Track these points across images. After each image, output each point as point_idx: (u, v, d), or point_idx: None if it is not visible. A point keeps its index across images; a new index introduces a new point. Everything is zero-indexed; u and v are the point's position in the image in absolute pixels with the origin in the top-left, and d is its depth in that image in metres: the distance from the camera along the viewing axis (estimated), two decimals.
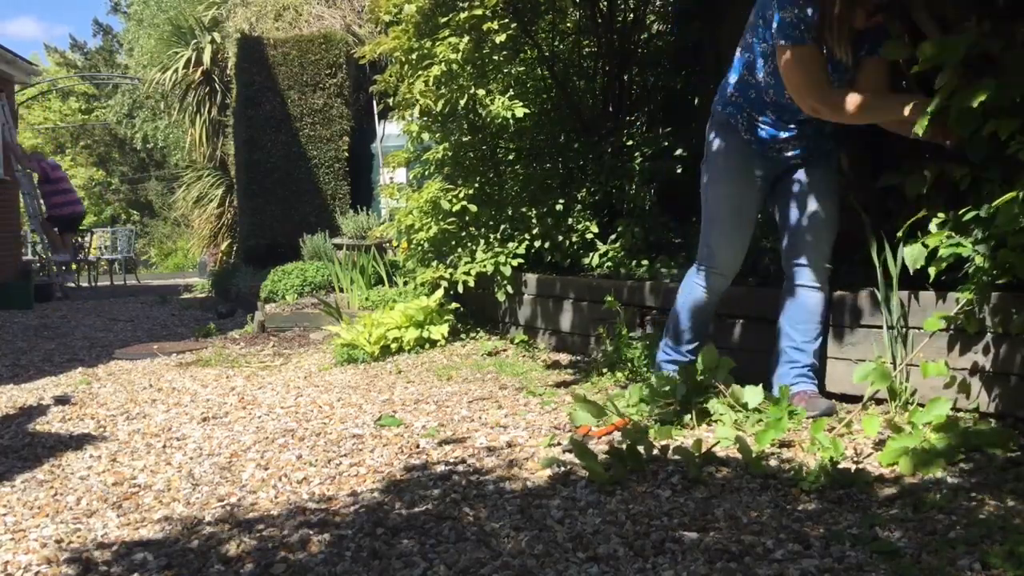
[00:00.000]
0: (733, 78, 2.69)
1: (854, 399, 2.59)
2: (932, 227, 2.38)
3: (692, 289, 2.82)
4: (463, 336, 4.56)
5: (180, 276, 17.93)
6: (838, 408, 2.59)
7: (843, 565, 1.54)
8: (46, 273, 12.21)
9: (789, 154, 2.68)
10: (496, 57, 4.27)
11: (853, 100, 2.41)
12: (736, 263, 2.77)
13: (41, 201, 10.71)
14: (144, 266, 23.94)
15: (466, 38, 3.98)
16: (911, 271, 2.38)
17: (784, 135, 2.64)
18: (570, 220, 4.22)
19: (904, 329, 2.51)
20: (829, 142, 2.73)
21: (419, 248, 4.66)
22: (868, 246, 2.63)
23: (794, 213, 2.72)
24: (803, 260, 2.70)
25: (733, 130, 2.68)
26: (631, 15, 4.60)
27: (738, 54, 2.69)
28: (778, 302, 2.78)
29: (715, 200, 2.74)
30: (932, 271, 2.34)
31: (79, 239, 13.74)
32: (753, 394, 2.54)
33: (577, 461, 2.20)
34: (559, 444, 2.45)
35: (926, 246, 2.34)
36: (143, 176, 30.27)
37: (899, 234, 2.50)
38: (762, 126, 2.66)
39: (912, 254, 2.36)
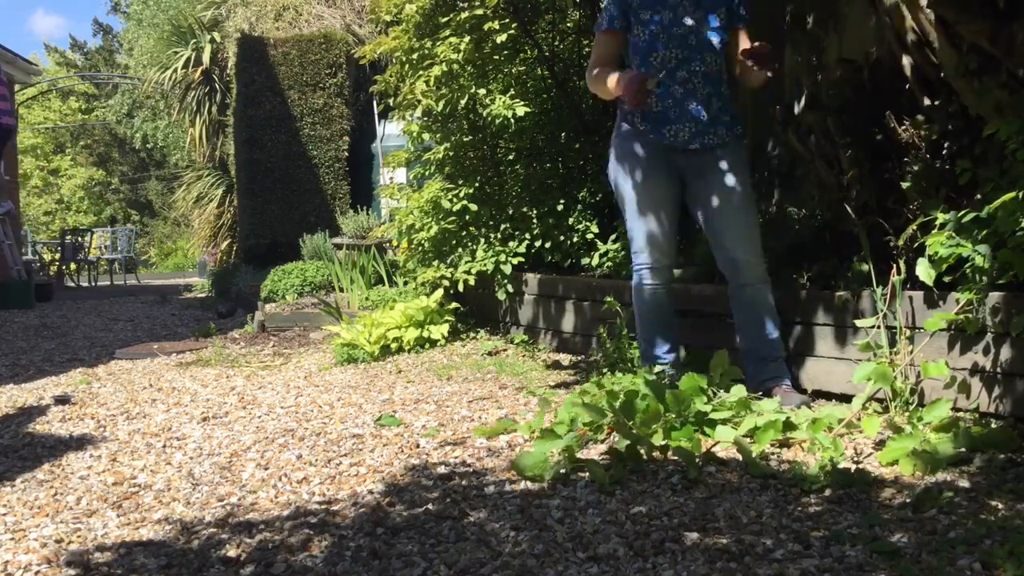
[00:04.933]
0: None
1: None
2: (933, 231, 2.38)
3: (638, 292, 2.95)
4: (463, 336, 4.56)
5: (180, 276, 17.94)
6: (843, 409, 2.59)
7: (843, 565, 1.54)
8: (46, 273, 12.23)
9: (684, 138, 2.80)
10: (496, 57, 4.27)
11: (593, 74, 2.88)
12: (664, 255, 2.88)
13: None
14: (144, 266, 23.95)
15: (467, 38, 3.98)
16: (930, 282, 2.37)
17: (673, 111, 2.79)
18: (570, 220, 4.22)
19: (904, 329, 2.51)
20: (723, 130, 2.82)
21: (420, 248, 4.66)
22: (865, 249, 2.64)
23: (710, 218, 2.83)
24: (737, 259, 2.80)
25: (630, 128, 2.86)
26: None
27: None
28: (731, 303, 2.89)
29: (624, 201, 2.90)
30: (932, 272, 2.34)
31: (79, 239, 13.76)
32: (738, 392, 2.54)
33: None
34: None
35: (934, 261, 2.34)
36: (143, 176, 30.26)
37: (900, 242, 2.50)
38: (654, 107, 2.80)
39: (926, 270, 2.36)
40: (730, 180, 2.80)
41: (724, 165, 2.80)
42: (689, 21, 2.77)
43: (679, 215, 2.90)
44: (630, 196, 2.87)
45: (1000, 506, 1.77)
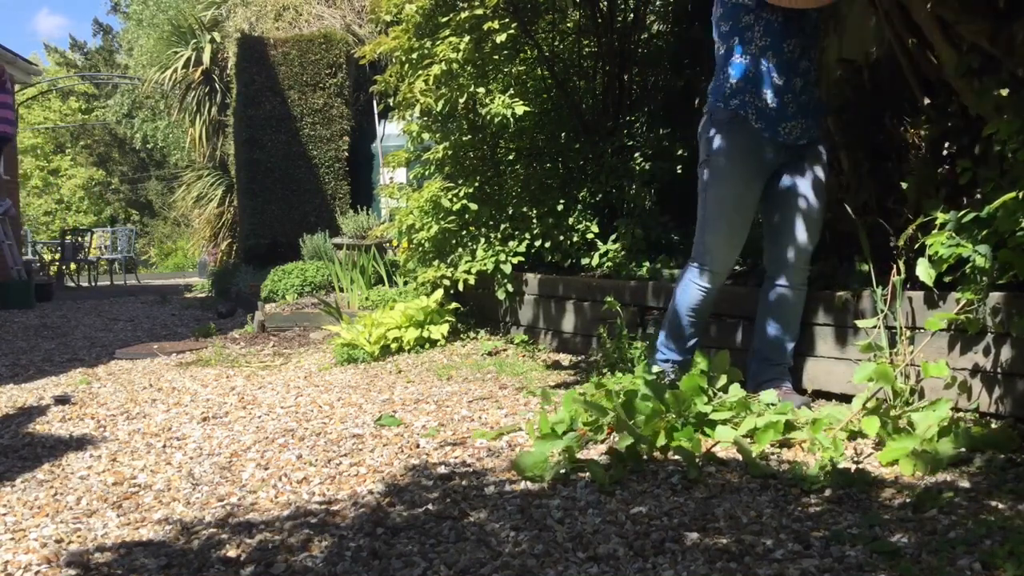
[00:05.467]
0: (728, 71, 2.69)
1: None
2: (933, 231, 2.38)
3: (689, 289, 2.83)
4: (463, 336, 4.56)
5: (180, 276, 17.93)
6: (843, 409, 2.59)
7: (843, 565, 1.54)
8: (46, 273, 12.23)
9: (796, 135, 2.67)
10: (496, 57, 4.27)
11: None
12: (732, 262, 2.81)
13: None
14: (144, 266, 23.94)
15: (466, 38, 3.98)
16: (930, 282, 2.37)
17: (791, 107, 2.64)
18: (570, 220, 4.22)
19: (904, 329, 2.51)
20: (818, 126, 2.74)
21: (420, 248, 4.66)
22: (865, 249, 2.64)
23: (784, 215, 2.74)
24: (788, 261, 2.74)
25: (742, 123, 2.66)
26: (631, 15, 4.60)
27: (721, 51, 2.73)
28: (759, 300, 2.83)
29: (717, 201, 2.73)
30: (932, 272, 2.34)
31: (79, 239, 13.76)
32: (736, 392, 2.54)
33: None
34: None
35: (934, 261, 2.33)
36: (143, 176, 30.25)
37: (900, 242, 2.50)
38: (771, 103, 2.63)
39: (926, 270, 2.35)
40: (816, 178, 2.70)
41: (817, 161, 2.72)
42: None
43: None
44: (723, 195, 2.71)
45: (1000, 506, 1.77)
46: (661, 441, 2.26)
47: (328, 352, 4.52)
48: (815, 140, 2.72)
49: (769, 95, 2.62)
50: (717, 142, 2.69)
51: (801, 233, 2.71)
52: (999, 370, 2.28)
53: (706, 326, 3.02)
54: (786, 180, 2.72)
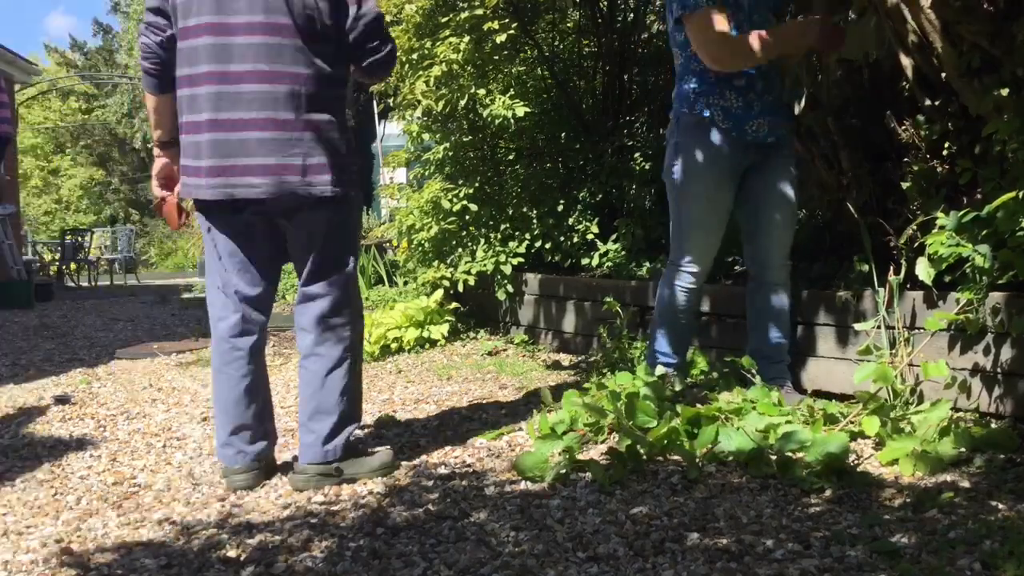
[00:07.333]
0: (688, 78, 2.72)
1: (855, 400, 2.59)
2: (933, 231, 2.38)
3: (672, 292, 2.82)
4: (463, 336, 4.56)
5: (180, 276, 17.92)
6: (843, 408, 2.59)
7: (843, 565, 1.54)
8: (46, 273, 12.24)
9: (764, 134, 2.68)
10: (496, 57, 4.28)
11: (755, 39, 2.52)
12: (711, 261, 2.82)
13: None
14: (144, 266, 23.94)
15: (466, 38, 3.98)
16: (930, 282, 2.37)
17: (756, 107, 2.65)
18: (570, 220, 4.23)
19: (904, 329, 2.51)
20: (789, 122, 2.76)
21: (420, 248, 4.67)
22: (867, 249, 2.64)
23: (758, 213, 2.76)
24: (768, 259, 2.75)
25: (708, 126, 2.66)
26: (631, 15, 4.60)
27: (680, 59, 2.74)
28: (747, 301, 2.84)
29: (690, 205, 2.74)
30: (932, 272, 2.34)
31: (79, 239, 13.76)
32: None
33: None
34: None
35: (933, 260, 2.33)
36: (143, 176, 30.23)
37: (901, 242, 2.50)
38: (735, 104, 2.64)
39: (926, 270, 2.35)
40: (786, 175, 2.73)
41: (784, 159, 2.74)
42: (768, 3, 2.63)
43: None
44: (695, 197, 2.71)
45: (1000, 506, 1.77)
46: (661, 442, 2.26)
47: None
48: (783, 138, 2.74)
49: (732, 96, 2.64)
50: (685, 147, 2.71)
51: (777, 230, 2.73)
52: (999, 370, 2.28)
53: (700, 325, 3.02)
54: (757, 179, 2.74)
